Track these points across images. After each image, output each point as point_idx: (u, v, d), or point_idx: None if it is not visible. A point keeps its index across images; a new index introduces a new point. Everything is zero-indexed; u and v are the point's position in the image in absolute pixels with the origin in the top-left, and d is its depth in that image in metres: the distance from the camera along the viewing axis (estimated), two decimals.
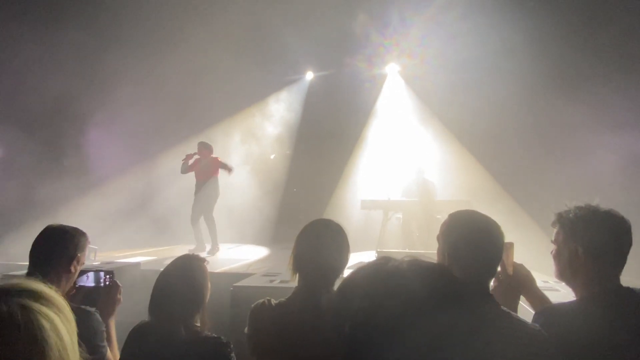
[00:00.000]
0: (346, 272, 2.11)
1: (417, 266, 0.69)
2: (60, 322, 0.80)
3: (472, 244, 1.32)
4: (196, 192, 6.10)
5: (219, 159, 6.07)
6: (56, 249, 1.69)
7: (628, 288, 1.34)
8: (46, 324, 0.76)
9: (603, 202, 1.45)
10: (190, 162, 6.04)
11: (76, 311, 1.35)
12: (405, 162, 8.02)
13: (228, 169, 5.93)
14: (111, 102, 7.66)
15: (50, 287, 0.85)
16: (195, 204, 6.07)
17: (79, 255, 1.73)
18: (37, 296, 0.80)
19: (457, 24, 7.26)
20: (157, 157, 8.18)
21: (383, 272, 0.70)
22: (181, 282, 1.62)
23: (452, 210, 1.48)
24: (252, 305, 1.61)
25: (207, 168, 5.99)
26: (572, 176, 6.05)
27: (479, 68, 7.60)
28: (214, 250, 6.05)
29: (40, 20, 6.94)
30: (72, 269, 1.70)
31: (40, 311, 0.77)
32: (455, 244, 1.35)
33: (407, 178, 6.91)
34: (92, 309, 1.63)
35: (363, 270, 0.72)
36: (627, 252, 1.36)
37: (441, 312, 0.66)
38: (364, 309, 0.66)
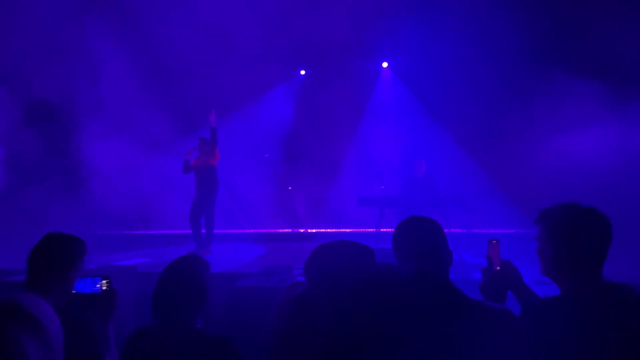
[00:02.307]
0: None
1: (415, 277, 0.71)
2: (41, 339, 0.80)
3: (416, 250, 1.44)
4: (195, 181, 5.95)
5: (216, 150, 6.00)
6: (55, 258, 1.71)
7: (609, 282, 1.38)
8: (25, 341, 0.77)
9: (589, 198, 1.49)
10: (190, 160, 5.99)
11: (73, 319, 1.34)
12: (401, 157, 8.05)
13: (213, 132, 5.85)
14: (103, 102, 7.61)
15: (43, 298, 0.85)
16: (195, 200, 5.90)
17: (77, 263, 1.74)
18: (20, 314, 0.80)
19: (449, 20, 7.29)
20: (154, 157, 8.14)
21: (386, 280, 0.71)
22: (187, 281, 1.64)
23: (448, 205, 1.53)
24: (283, 295, 1.64)
25: (205, 156, 5.94)
26: (566, 172, 6.12)
27: (472, 64, 7.64)
28: (206, 250, 5.87)
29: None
30: (71, 277, 1.71)
31: (20, 328, 0.78)
32: (404, 254, 1.47)
33: (408, 174, 6.94)
34: (89, 317, 1.62)
35: (368, 278, 0.73)
36: (608, 248, 1.40)
37: (442, 319, 0.67)
38: (369, 314, 0.68)
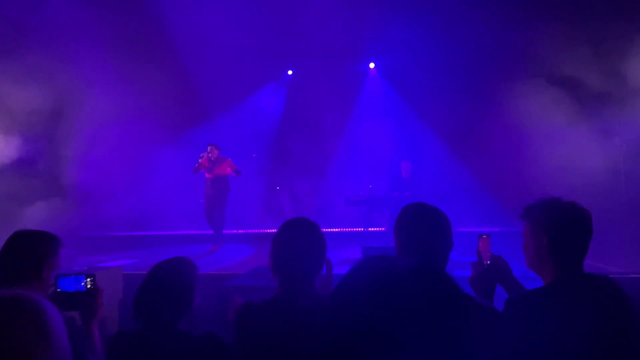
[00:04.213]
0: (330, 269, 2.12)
1: (414, 268, 0.71)
2: (59, 320, 0.85)
3: (420, 234, 1.42)
4: (206, 189, 6.50)
5: (230, 161, 6.57)
6: (25, 257, 1.61)
7: (590, 274, 1.43)
8: (50, 318, 0.81)
9: (572, 194, 1.54)
10: (200, 160, 6.46)
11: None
12: (389, 157, 8.10)
13: (237, 172, 6.53)
14: (92, 104, 7.49)
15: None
16: (208, 203, 6.47)
17: (50, 260, 1.64)
18: (31, 300, 0.83)
19: (435, 22, 7.36)
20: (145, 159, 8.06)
21: (380, 274, 0.71)
22: (171, 284, 1.59)
23: (434, 205, 1.54)
24: (236, 308, 1.61)
25: (217, 166, 6.44)
26: (549, 169, 6.25)
27: (458, 65, 7.73)
28: (220, 245, 6.57)
29: None
30: (45, 275, 1.63)
31: (44, 308, 0.81)
32: (406, 236, 1.45)
33: (394, 173, 7.00)
34: (73, 316, 1.59)
35: (358, 273, 0.73)
36: (589, 240, 1.45)
37: (441, 315, 0.67)
38: (362, 313, 0.67)
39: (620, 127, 6.28)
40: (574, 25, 6.52)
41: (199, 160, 6.41)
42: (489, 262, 1.63)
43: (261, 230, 7.78)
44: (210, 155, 6.41)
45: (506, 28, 6.94)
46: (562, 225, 1.43)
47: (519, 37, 7.02)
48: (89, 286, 1.69)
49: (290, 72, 9.60)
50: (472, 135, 7.94)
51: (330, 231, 7.58)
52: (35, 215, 6.68)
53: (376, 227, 7.02)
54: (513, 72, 7.25)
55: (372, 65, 9.38)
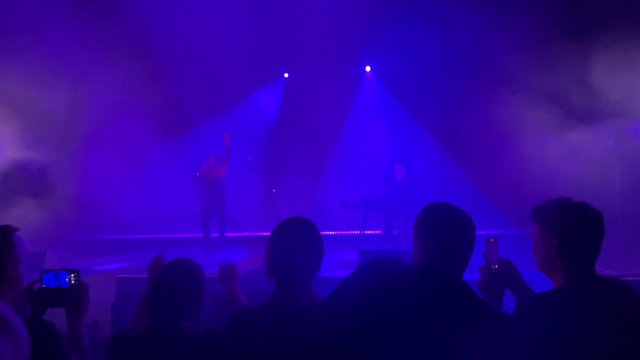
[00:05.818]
0: (325, 270, 2.09)
1: (412, 271, 0.68)
2: (12, 341, 0.76)
3: (442, 236, 1.36)
4: (204, 192, 6.72)
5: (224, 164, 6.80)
6: None
7: (603, 277, 1.38)
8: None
9: (578, 194, 1.50)
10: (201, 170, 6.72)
11: (32, 326, 1.26)
12: (384, 159, 8.09)
13: (227, 152, 6.65)
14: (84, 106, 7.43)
15: None
16: (204, 203, 6.65)
17: (11, 257, 1.45)
18: None
19: (431, 25, 7.39)
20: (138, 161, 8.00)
21: (381, 277, 0.68)
22: (183, 282, 1.62)
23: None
24: (231, 313, 1.59)
25: (213, 170, 6.71)
26: (543, 172, 6.27)
27: (454, 68, 7.75)
28: (223, 246, 6.73)
29: None
30: (11, 275, 1.45)
31: None
32: (426, 237, 1.40)
33: (390, 176, 6.99)
34: (50, 321, 1.50)
35: (359, 276, 0.70)
36: (600, 242, 1.40)
37: (442, 318, 0.64)
38: (363, 317, 0.64)
39: (614, 131, 6.30)
40: (563, 34, 6.57)
41: (201, 170, 6.69)
42: (497, 266, 1.58)
43: (256, 233, 7.74)
44: (210, 166, 6.69)
45: (499, 33, 6.97)
46: (572, 226, 1.39)
47: (512, 42, 7.06)
48: (73, 282, 1.63)
49: (286, 75, 9.58)
50: (467, 138, 7.95)
51: (326, 234, 7.55)
52: (26, 218, 6.59)
53: (372, 230, 6.99)
54: (507, 77, 7.28)
55: (368, 68, 9.38)
